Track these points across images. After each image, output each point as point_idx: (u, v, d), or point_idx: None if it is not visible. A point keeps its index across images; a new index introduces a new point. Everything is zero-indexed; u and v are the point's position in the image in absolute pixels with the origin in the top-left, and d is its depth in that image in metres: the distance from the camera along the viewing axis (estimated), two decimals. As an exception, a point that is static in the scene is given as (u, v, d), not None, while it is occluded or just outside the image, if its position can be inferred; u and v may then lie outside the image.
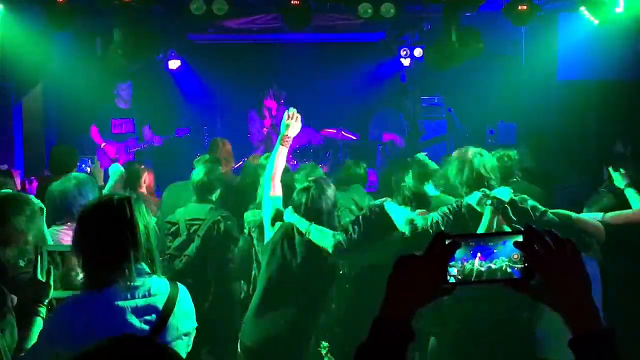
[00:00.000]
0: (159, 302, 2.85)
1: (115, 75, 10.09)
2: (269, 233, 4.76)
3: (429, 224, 4.41)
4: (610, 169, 5.33)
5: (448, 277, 1.57)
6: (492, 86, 10.05)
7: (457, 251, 1.57)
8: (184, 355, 2.86)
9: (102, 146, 9.96)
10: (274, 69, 11.71)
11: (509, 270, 1.58)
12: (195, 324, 3.02)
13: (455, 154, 4.88)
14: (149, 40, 9.20)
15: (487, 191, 4.44)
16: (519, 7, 8.89)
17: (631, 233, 4.91)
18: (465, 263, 1.57)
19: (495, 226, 4.28)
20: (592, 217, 4.86)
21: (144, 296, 2.81)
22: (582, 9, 8.80)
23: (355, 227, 4.59)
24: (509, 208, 4.35)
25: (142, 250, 2.81)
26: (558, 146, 8.12)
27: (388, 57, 11.69)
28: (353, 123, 11.00)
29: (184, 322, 2.92)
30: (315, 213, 4.63)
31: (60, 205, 4.48)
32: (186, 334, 2.93)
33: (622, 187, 5.20)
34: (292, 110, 5.01)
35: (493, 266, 1.57)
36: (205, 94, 12.00)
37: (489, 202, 4.34)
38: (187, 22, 10.18)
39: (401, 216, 4.56)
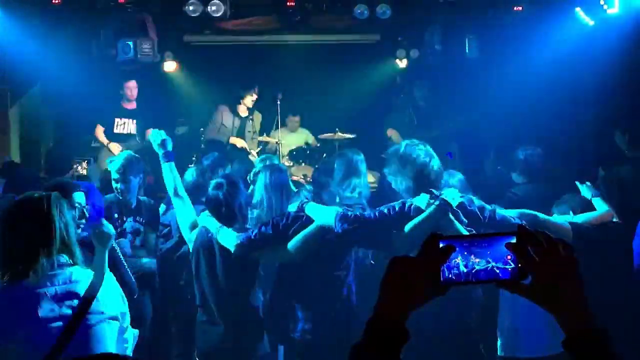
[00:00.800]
0: (80, 289, 3.05)
1: (111, 77, 10.09)
2: (190, 241, 4.83)
3: (360, 220, 4.42)
4: (577, 182, 5.39)
5: (441, 278, 1.57)
6: (487, 87, 10.06)
7: (451, 252, 1.57)
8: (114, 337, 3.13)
9: (107, 144, 9.97)
10: (270, 71, 11.69)
11: (501, 270, 1.59)
12: (124, 309, 3.25)
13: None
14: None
15: (435, 192, 4.45)
16: (514, 9, 8.94)
17: (601, 233, 4.92)
18: (458, 263, 1.58)
19: (433, 225, 4.25)
20: (562, 217, 4.90)
21: (64, 283, 3.02)
22: (577, 9, 8.84)
23: (262, 228, 4.61)
24: (459, 211, 4.35)
25: (56, 244, 3.02)
26: (554, 146, 8.13)
27: (384, 59, 11.68)
28: (349, 124, 10.99)
29: (109, 306, 3.12)
30: (228, 211, 4.69)
31: None
32: (113, 318, 3.14)
33: (589, 197, 5.26)
34: (155, 133, 5.08)
35: (486, 266, 1.58)
36: (201, 95, 11.97)
37: (437, 202, 4.34)
38: (183, 24, 10.18)
39: (329, 212, 4.55)
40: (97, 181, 7.49)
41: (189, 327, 5.37)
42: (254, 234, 4.56)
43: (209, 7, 8.88)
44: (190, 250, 4.83)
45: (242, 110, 10.73)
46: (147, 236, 5.75)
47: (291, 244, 4.57)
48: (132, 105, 10.26)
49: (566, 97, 9.22)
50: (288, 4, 8.93)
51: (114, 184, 5.76)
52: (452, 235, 1.63)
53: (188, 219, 4.87)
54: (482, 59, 10.11)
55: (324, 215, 4.54)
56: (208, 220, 4.68)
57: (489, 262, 1.58)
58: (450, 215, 4.29)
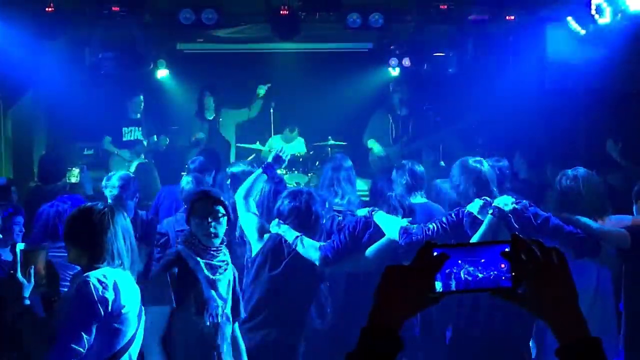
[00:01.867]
0: None
1: (103, 84, 10.11)
2: (257, 245, 4.79)
3: (424, 233, 4.43)
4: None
5: (435, 287, 1.58)
6: (480, 95, 10.09)
7: (445, 261, 1.58)
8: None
9: (117, 153, 10.21)
10: (262, 79, 11.70)
11: (496, 279, 1.59)
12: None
13: (457, 163, 4.87)
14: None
15: (489, 199, 4.46)
16: (506, 17, 8.97)
17: None
18: (452, 272, 1.58)
19: (492, 235, 4.28)
20: (618, 223, 4.87)
21: None
22: (569, 19, 8.88)
23: (342, 237, 4.61)
24: (511, 217, 4.37)
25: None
26: (547, 154, 8.16)
27: (376, 67, 11.71)
28: (342, 132, 11.01)
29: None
30: (303, 221, 4.67)
31: (54, 227, 4.48)
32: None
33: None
34: (286, 150, 5.29)
35: (480, 275, 1.58)
36: (193, 103, 11.96)
37: (491, 210, 4.35)
38: (176, 32, 10.19)
39: (394, 225, 4.57)
40: (90, 189, 7.47)
41: None
42: (335, 244, 4.60)
43: (202, 15, 8.89)
44: (252, 255, 4.82)
45: None
46: (139, 250, 5.73)
47: (369, 254, 4.65)
48: (138, 109, 10.48)
49: (557, 105, 9.26)
50: (281, 12, 8.95)
51: None
52: (446, 244, 1.63)
53: (256, 222, 4.89)
54: (474, 68, 10.15)
55: (390, 227, 4.57)
56: (285, 229, 4.68)
57: (483, 271, 1.58)
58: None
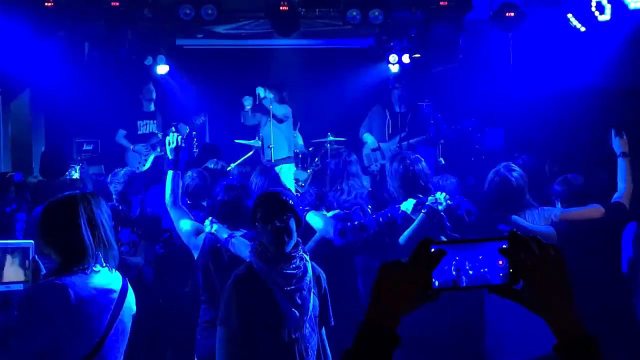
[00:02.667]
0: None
1: (102, 80, 10.11)
2: (195, 249, 4.71)
3: (360, 237, 4.45)
4: (613, 131, 5.39)
5: (432, 284, 1.57)
6: (479, 92, 10.09)
7: (442, 257, 1.57)
8: None
9: (131, 148, 10.26)
10: (262, 75, 11.70)
11: (493, 276, 1.58)
12: None
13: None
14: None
15: (422, 197, 4.46)
16: (506, 14, 8.96)
17: (586, 235, 4.98)
18: (449, 269, 1.57)
19: (423, 233, 4.24)
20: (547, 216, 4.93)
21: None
22: (569, 16, 8.87)
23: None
24: (444, 215, 4.36)
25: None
26: (547, 152, 8.15)
27: (376, 63, 11.71)
28: (341, 128, 11.00)
29: None
30: (234, 215, 4.68)
31: None
32: None
33: (617, 152, 5.29)
34: (174, 137, 4.91)
35: (477, 272, 1.58)
36: (193, 99, 11.98)
37: (424, 209, 4.35)
38: (176, 27, 10.19)
39: (328, 224, 4.55)
40: (91, 185, 7.48)
41: (186, 333, 5.33)
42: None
43: (202, 11, 8.89)
44: (196, 257, 4.71)
45: None
46: (143, 247, 5.73)
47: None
48: (150, 108, 10.52)
49: (558, 103, 9.26)
50: (281, 8, 8.94)
51: (115, 203, 5.80)
52: (444, 240, 1.63)
53: (190, 226, 4.75)
54: (473, 64, 10.14)
55: (323, 226, 4.57)
56: (218, 229, 4.59)
57: (480, 268, 1.58)
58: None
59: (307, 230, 4.67)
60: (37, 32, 8.45)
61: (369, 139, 10.33)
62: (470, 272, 1.57)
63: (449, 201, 4.41)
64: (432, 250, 1.57)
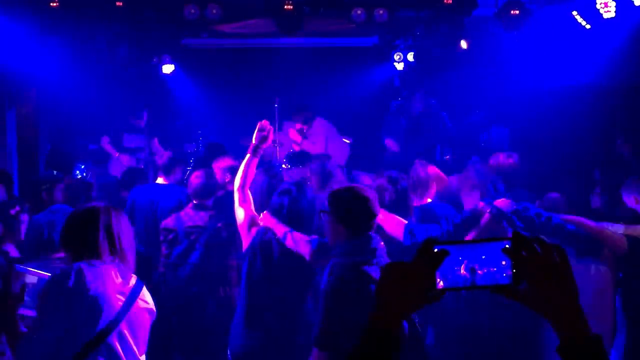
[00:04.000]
0: None
1: (108, 80, 10.12)
2: (246, 240, 4.69)
3: (428, 235, 4.43)
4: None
5: (437, 284, 1.58)
6: (484, 91, 10.07)
7: (446, 258, 1.58)
8: None
9: (117, 155, 10.21)
10: (267, 74, 11.71)
11: (497, 276, 1.59)
12: None
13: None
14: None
15: (490, 200, 4.48)
16: (511, 12, 8.94)
17: None
18: (453, 269, 1.58)
19: (488, 235, 4.25)
20: (613, 228, 4.87)
21: None
22: (574, 13, 8.85)
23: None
24: (514, 217, 4.37)
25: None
26: (550, 150, 8.14)
27: (381, 62, 11.70)
28: (346, 127, 10.99)
29: None
30: (295, 216, 4.56)
31: (50, 237, 4.42)
32: None
33: None
34: (267, 123, 4.89)
35: (481, 272, 1.58)
36: (199, 98, 11.99)
37: (489, 210, 4.37)
38: (181, 27, 10.19)
39: (400, 226, 4.56)
40: (95, 184, 7.50)
41: (193, 337, 5.33)
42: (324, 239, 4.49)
43: (206, 10, 8.89)
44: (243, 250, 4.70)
45: None
46: None
47: None
48: (140, 123, 10.53)
49: (563, 101, 9.24)
50: (285, 7, 8.93)
51: None
52: (447, 240, 1.63)
53: (244, 215, 4.74)
54: (478, 63, 10.13)
55: (394, 226, 4.58)
56: (275, 223, 4.56)
57: (484, 268, 1.58)
58: (505, 223, 4.34)
59: None
60: (43, 32, 8.47)
61: (390, 144, 10.35)
62: (474, 272, 1.58)
63: (514, 205, 4.45)
64: (436, 250, 1.58)
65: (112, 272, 3.20)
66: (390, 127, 10.51)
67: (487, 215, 4.37)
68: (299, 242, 4.39)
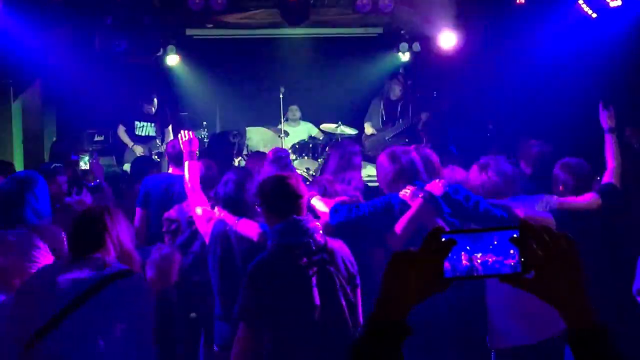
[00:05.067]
0: None
1: (113, 72, 10.13)
2: (206, 233, 4.79)
3: (353, 215, 4.42)
4: (600, 105, 5.35)
5: (443, 273, 1.57)
6: (490, 80, 10.04)
7: (453, 247, 1.57)
8: None
9: (131, 146, 10.22)
10: (272, 64, 11.70)
11: (504, 265, 1.58)
12: None
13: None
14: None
15: (421, 184, 4.45)
16: (517, 1, 8.92)
17: (585, 223, 4.89)
18: (460, 258, 1.57)
19: (420, 218, 4.27)
20: (546, 199, 4.87)
21: None
22: (580, 1, 8.81)
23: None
24: (442, 200, 4.36)
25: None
26: (557, 140, 8.10)
27: (387, 52, 11.68)
28: (351, 117, 10.99)
29: None
30: (241, 204, 4.66)
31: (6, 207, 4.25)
32: None
33: (605, 128, 5.28)
34: (184, 132, 5.26)
35: (488, 261, 1.58)
36: (203, 89, 11.99)
37: (421, 194, 4.34)
38: (186, 18, 10.18)
39: (326, 206, 4.57)
40: (102, 177, 7.50)
41: (194, 327, 5.35)
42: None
43: (211, 1, 8.89)
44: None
45: None
46: None
47: None
48: (151, 109, 10.45)
49: (568, 91, 9.20)
50: (291, -2, 8.94)
51: None
52: (454, 229, 1.62)
53: (202, 212, 4.88)
54: (484, 52, 10.09)
55: (323, 207, 4.58)
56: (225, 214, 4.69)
57: (491, 257, 1.57)
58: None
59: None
60: (47, 23, 8.48)
61: (367, 128, 10.43)
62: (481, 261, 1.57)
63: (446, 187, 4.41)
64: (443, 239, 1.57)
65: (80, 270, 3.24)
66: (370, 116, 10.55)
67: (419, 200, 4.33)
68: (247, 228, 4.49)
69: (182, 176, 6.48)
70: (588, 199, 5.00)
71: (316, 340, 3.57)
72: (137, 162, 7.48)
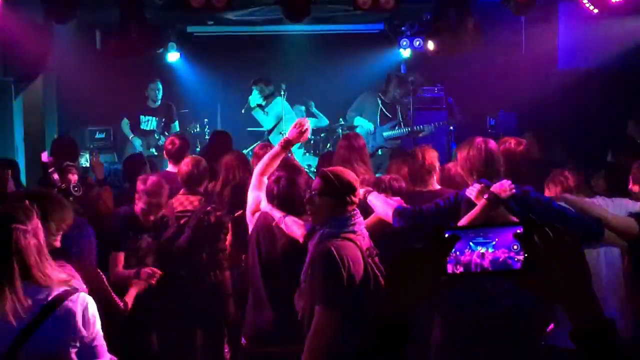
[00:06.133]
0: None
1: (114, 68, 10.12)
2: (250, 224, 4.74)
3: (420, 220, 4.40)
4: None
5: (447, 270, 1.56)
6: (492, 76, 10.03)
7: (456, 243, 1.56)
8: None
9: (131, 138, 10.32)
10: (273, 61, 11.70)
11: (508, 262, 1.57)
12: None
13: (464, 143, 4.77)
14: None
15: (488, 183, 4.38)
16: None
17: None
18: (464, 255, 1.56)
19: (484, 220, 4.17)
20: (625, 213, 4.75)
21: None
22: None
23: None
24: (511, 203, 4.30)
25: None
26: (558, 134, 8.11)
27: (388, 48, 11.67)
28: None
29: None
30: (288, 202, 4.55)
31: None
32: None
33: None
34: (306, 121, 4.89)
35: (492, 258, 1.57)
36: (204, 86, 11.99)
37: (486, 196, 4.29)
38: (186, 14, 10.17)
39: (387, 207, 4.54)
40: (102, 173, 7.50)
41: (173, 320, 5.40)
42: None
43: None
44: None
45: None
46: None
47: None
48: (155, 104, 10.51)
49: (570, 86, 9.19)
50: (292, -6, 8.89)
51: None
52: (458, 226, 1.62)
53: (252, 200, 4.79)
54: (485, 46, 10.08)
55: (383, 207, 4.54)
56: (270, 209, 4.56)
57: (495, 253, 1.57)
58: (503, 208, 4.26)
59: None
60: (49, 19, 8.47)
61: (362, 123, 10.40)
62: (485, 257, 1.56)
63: (513, 190, 4.27)
64: (446, 235, 1.56)
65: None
66: (365, 111, 10.53)
67: (483, 201, 4.27)
68: (293, 226, 4.42)
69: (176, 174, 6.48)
70: None
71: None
72: (128, 161, 7.44)
